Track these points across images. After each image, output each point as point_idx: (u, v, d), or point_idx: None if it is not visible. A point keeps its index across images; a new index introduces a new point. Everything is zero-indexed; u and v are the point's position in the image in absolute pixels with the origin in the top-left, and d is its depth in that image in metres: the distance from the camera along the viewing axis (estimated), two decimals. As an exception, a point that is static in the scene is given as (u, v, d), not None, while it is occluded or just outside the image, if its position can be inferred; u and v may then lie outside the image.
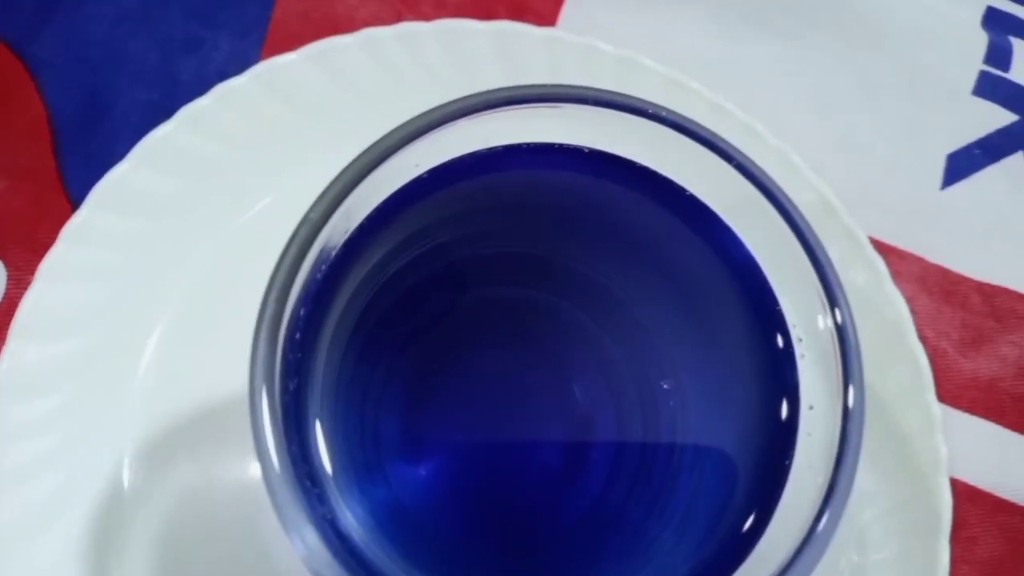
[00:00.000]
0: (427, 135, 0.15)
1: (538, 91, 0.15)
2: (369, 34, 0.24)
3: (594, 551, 0.18)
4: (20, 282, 0.24)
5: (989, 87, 0.29)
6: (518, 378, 0.20)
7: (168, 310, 0.23)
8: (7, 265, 0.25)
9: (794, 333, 0.16)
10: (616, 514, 0.19)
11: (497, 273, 0.19)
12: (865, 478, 0.23)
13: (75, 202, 0.24)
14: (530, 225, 0.19)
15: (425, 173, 0.16)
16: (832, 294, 0.15)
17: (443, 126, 0.15)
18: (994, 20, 0.30)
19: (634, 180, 0.17)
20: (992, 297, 0.27)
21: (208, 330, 0.23)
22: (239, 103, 0.24)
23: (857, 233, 0.25)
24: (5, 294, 0.24)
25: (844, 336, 0.14)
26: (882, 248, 0.26)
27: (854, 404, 0.14)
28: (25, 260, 0.25)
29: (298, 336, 0.14)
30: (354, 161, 0.14)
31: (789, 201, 0.15)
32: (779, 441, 0.16)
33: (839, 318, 0.15)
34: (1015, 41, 0.30)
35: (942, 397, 0.24)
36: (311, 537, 0.13)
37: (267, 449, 0.13)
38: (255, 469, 0.22)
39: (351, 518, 0.15)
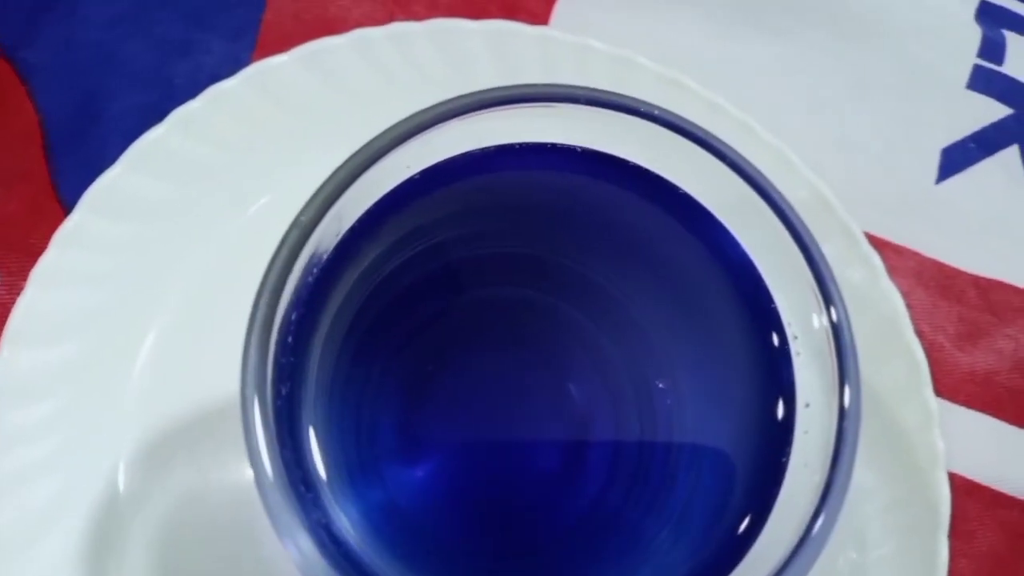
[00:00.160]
0: (418, 136, 0.14)
1: (530, 91, 0.15)
2: (361, 35, 0.24)
3: (592, 551, 0.18)
4: (13, 288, 0.24)
5: (983, 81, 0.29)
6: (514, 379, 0.20)
7: (162, 314, 0.23)
8: (0, 271, 0.25)
9: (789, 331, 0.16)
10: (614, 514, 0.19)
11: (491, 274, 0.19)
12: (863, 474, 0.23)
13: (68, 207, 0.24)
14: (524, 225, 0.19)
15: (417, 174, 0.16)
16: (827, 292, 0.14)
17: (435, 127, 0.14)
18: (987, 14, 0.30)
19: (628, 179, 0.17)
20: (988, 291, 0.27)
21: (203, 333, 0.23)
22: (230, 105, 0.24)
23: (853, 229, 0.24)
24: (-2, 300, 0.24)
25: (839, 334, 0.14)
26: (878, 243, 0.26)
27: (850, 403, 0.14)
28: (18, 266, 0.24)
29: (290, 340, 0.14)
30: (344, 163, 0.14)
31: (783, 199, 0.15)
32: (775, 439, 0.16)
33: (834, 316, 0.14)
34: (1008, 35, 0.30)
35: (939, 392, 0.24)
36: (305, 543, 0.13)
37: (259, 454, 0.13)
38: (250, 472, 0.22)
39: (347, 522, 0.15)
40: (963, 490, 0.25)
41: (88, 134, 0.26)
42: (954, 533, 0.23)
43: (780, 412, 0.16)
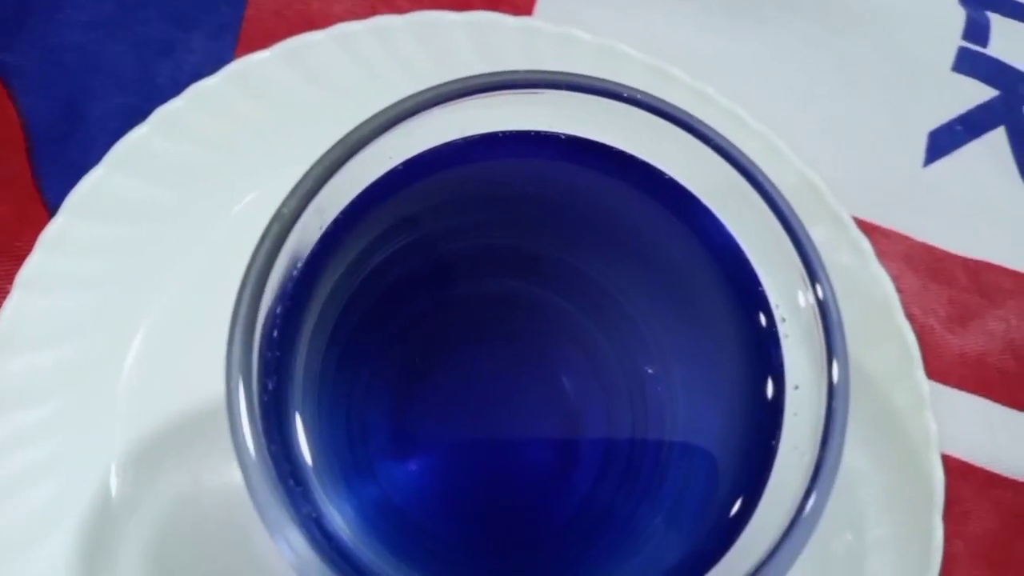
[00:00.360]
0: (400, 126, 0.14)
1: (512, 77, 0.15)
2: (342, 29, 0.24)
3: (586, 543, 0.18)
4: (-2, 292, 0.24)
5: (968, 63, 0.29)
6: (505, 371, 0.20)
7: (149, 315, 0.23)
8: (-15, 275, 0.24)
9: (777, 313, 0.16)
10: (607, 505, 0.18)
11: (479, 265, 0.19)
12: (856, 458, 0.23)
13: (53, 210, 0.23)
14: (510, 215, 0.19)
15: (400, 165, 0.16)
16: (812, 270, 0.14)
17: (416, 116, 0.14)
18: (971, -5, 0.30)
19: (613, 166, 0.17)
20: (978, 273, 0.27)
21: (191, 333, 0.23)
22: (213, 103, 0.24)
23: (841, 214, 0.24)
24: (-17, 305, 0.24)
25: (826, 311, 0.14)
26: (867, 228, 0.26)
27: (839, 379, 0.14)
28: (4, 270, 0.24)
29: (276, 334, 0.14)
30: (324, 155, 0.14)
31: (767, 178, 0.15)
32: (766, 423, 0.16)
33: (820, 294, 0.14)
34: (992, 16, 0.30)
35: (931, 374, 0.24)
36: (295, 537, 0.13)
37: (245, 448, 0.13)
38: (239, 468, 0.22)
39: (338, 517, 0.15)
40: (957, 472, 0.25)
41: (71, 136, 0.26)
42: (948, 515, 0.23)
43: (770, 395, 0.16)
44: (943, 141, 0.28)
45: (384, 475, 0.18)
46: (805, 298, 0.15)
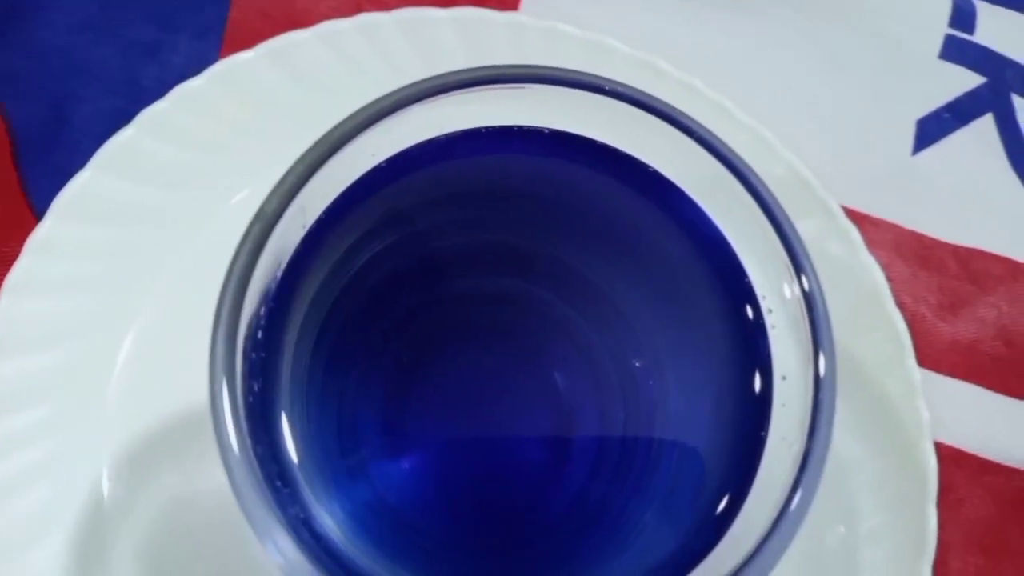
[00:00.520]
0: (382, 122, 0.14)
1: (493, 73, 0.15)
2: (328, 27, 0.24)
3: (578, 540, 0.18)
4: (-13, 297, 0.24)
5: (955, 50, 0.29)
6: (495, 367, 0.20)
7: (139, 317, 0.23)
8: (-28, 282, 0.24)
9: (764, 305, 0.16)
10: (600, 501, 0.18)
11: (465, 262, 0.19)
12: (848, 447, 0.23)
13: (40, 214, 0.23)
14: (495, 210, 0.19)
15: (384, 162, 0.16)
16: (798, 262, 0.14)
17: (397, 112, 0.14)
18: (957, -17, 0.30)
19: (598, 160, 0.17)
20: (968, 260, 0.27)
21: (182, 333, 0.23)
22: (198, 104, 0.23)
23: (830, 204, 0.24)
24: (-28, 311, 0.24)
25: (812, 303, 0.14)
26: (856, 217, 0.26)
27: (825, 372, 0.14)
28: (-8, 275, 0.24)
29: (260, 336, 0.14)
30: (306, 153, 0.14)
31: (751, 170, 0.15)
32: (754, 414, 0.16)
33: (806, 285, 0.14)
34: (978, 3, 0.30)
35: (922, 362, 0.24)
36: (283, 539, 0.13)
37: (231, 450, 0.12)
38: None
39: (328, 518, 0.15)
40: (950, 459, 0.25)
41: (57, 140, 0.26)
42: (942, 502, 0.23)
43: (757, 386, 0.16)
44: (931, 129, 0.28)
45: (374, 474, 0.18)
46: (791, 290, 0.15)
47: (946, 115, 0.29)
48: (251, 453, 0.13)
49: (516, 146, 0.17)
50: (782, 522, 0.13)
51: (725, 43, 0.29)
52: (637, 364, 0.18)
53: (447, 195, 0.18)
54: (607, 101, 0.15)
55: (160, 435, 0.23)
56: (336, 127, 0.14)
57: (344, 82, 0.24)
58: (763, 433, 0.15)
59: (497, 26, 0.25)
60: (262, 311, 0.14)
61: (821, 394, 0.14)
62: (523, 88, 0.15)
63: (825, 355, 0.14)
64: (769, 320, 0.16)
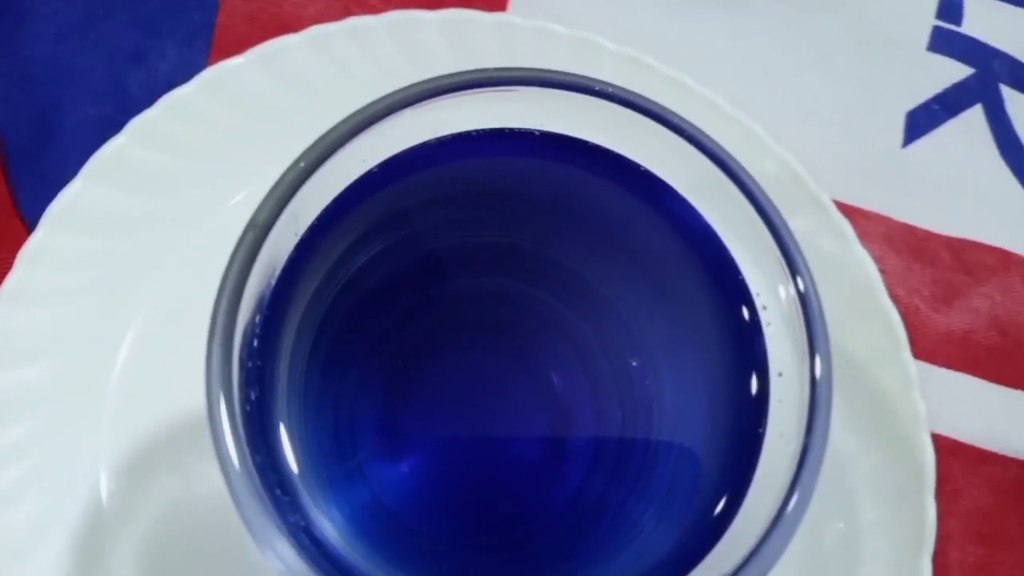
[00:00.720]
0: (372, 128, 0.14)
1: (482, 76, 0.15)
2: (317, 32, 0.24)
3: (577, 538, 0.18)
4: (-20, 310, 0.24)
5: (943, 42, 0.29)
6: (493, 370, 0.20)
7: (134, 326, 0.23)
8: (-35, 294, 0.24)
9: (759, 302, 0.16)
10: (598, 500, 0.18)
11: (459, 265, 0.19)
12: (845, 442, 0.23)
13: (31, 225, 0.23)
14: (488, 213, 0.19)
15: (375, 168, 0.16)
16: (792, 261, 0.14)
17: (388, 118, 0.14)
18: (943, -25, 0.30)
19: (589, 161, 0.17)
20: (960, 251, 0.27)
21: (176, 342, 0.23)
22: (188, 111, 0.23)
23: (822, 198, 0.25)
24: (-35, 324, 0.24)
25: (807, 304, 0.14)
26: (847, 210, 0.26)
27: (821, 373, 0.14)
28: (-17, 287, 0.24)
29: (256, 344, 0.14)
30: (297, 160, 0.14)
31: (743, 169, 0.15)
32: (751, 411, 0.16)
33: (801, 286, 0.14)
34: (965, -6, 0.30)
35: (918, 354, 0.24)
36: (283, 548, 0.13)
37: (229, 460, 0.12)
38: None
39: (328, 525, 0.15)
40: (947, 450, 0.25)
41: (46, 150, 0.26)
42: (940, 493, 0.23)
43: (754, 383, 0.16)
44: (921, 121, 0.29)
45: (373, 478, 0.18)
46: (786, 290, 0.15)
47: (935, 107, 0.29)
48: (250, 463, 0.13)
49: (508, 148, 0.17)
50: (781, 520, 0.13)
51: (713, 39, 0.29)
52: (634, 363, 0.18)
53: (439, 198, 0.18)
54: (598, 102, 0.15)
55: (158, 442, 0.23)
56: (327, 133, 0.14)
57: (334, 86, 0.24)
58: (761, 430, 0.15)
59: (486, 27, 0.25)
60: (257, 319, 0.14)
61: (818, 392, 0.14)
62: (512, 90, 0.15)
63: (821, 356, 0.14)
64: (764, 317, 0.16)
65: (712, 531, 0.15)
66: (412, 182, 0.17)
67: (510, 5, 0.28)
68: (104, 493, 0.22)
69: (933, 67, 0.29)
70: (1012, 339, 0.27)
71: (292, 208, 0.14)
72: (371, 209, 0.16)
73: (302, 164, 0.14)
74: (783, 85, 0.28)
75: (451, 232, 0.19)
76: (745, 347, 0.16)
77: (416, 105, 0.14)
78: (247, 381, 0.13)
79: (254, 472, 0.13)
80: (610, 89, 0.15)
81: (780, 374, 0.16)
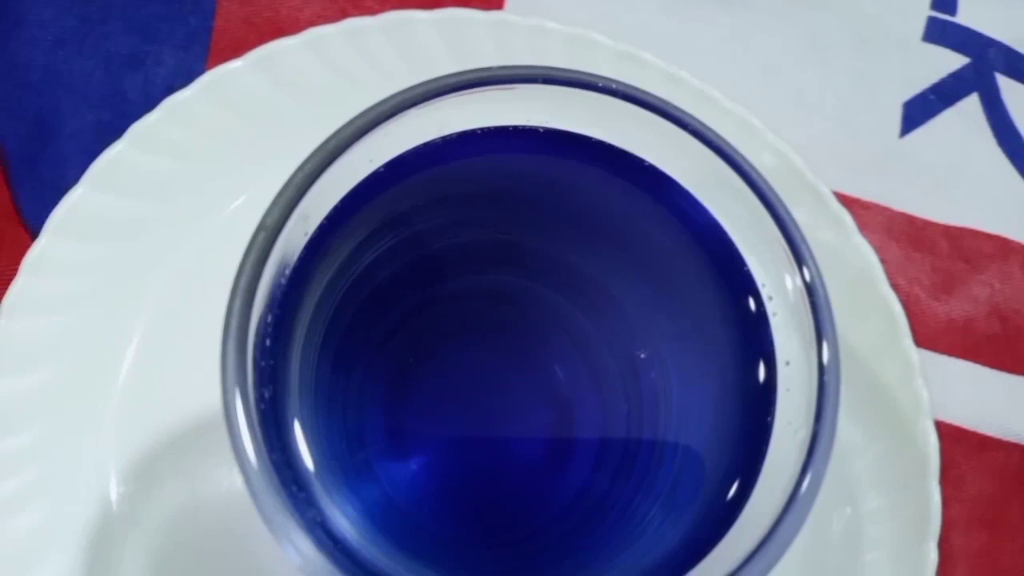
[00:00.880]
0: (378, 128, 0.14)
1: (487, 74, 0.15)
2: (314, 34, 0.24)
3: (586, 531, 0.18)
4: (-15, 318, 0.24)
5: (938, 32, 0.30)
6: (499, 367, 0.20)
7: (139, 331, 0.23)
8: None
9: (764, 292, 0.16)
10: (606, 493, 0.19)
11: (466, 263, 0.19)
12: (850, 430, 0.23)
13: (34, 232, 0.23)
14: (493, 211, 0.19)
15: (382, 168, 0.16)
16: (797, 251, 0.15)
17: (394, 118, 0.14)
18: (937, -35, 0.30)
19: (593, 156, 0.17)
20: (959, 239, 0.28)
21: (180, 346, 0.23)
22: (188, 116, 0.23)
23: (821, 189, 0.25)
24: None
25: (813, 292, 0.14)
26: (847, 201, 0.26)
27: (828, 360, 0.14)
28: (-12, 295, 0.24)
29: (268, 343, 0.14)
30: (305, 161, 0.14)
31: (745, 160, 0.15)
32: (759, 400, 0.16)
33: (807, 276, 0.15)
34: (959, -16, 0.30)
35: (919, 342, 0.24)
36: (304, 543, 0.13)
37: (247, 459, 0.13)
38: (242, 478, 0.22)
39: (343, 519, 0.15)
40: (950, 437, 0.25)
41: (46, 157, 0.26)
42: (944, 480, 0.23)
43: (762, 373, 0.16)
44: (918, 111, 0.29)
45: (384, 475, 0.18)
46: (792, 279, 0.15)
47: (932, 97, 0.29)
48: (267, 461, 0.13)
49: (512, 146, 0.17)
50: (793, 506, 0.13)
51: (709, 34, 0.29)
52: (641, 356, 0.18)
53: (445, 196, 0.18)
54: (600, 98, 0.15)
55: (165, 446, 0.23)
56: (334, 135, 0.14)
57: (333, 88, 0.24)
58: (769, 419, 0.16)
59: (483, 25, 0.25)
60: (269, 318, 0.14)
61: (826, 378, 0.14)
62: (516, 89, 0.15)
63: (828, 342, 0.14)
64: (770, 308, 0.16)
65: (722, 520, 0.15)
66: (418, 181, 0.17)
67: (507, 3, 0.28)
68: (114, 498, 0.22)
69: (929, 57, 0.29)
70: (1012, 326, 0.27)
71: (302, 209, 0.14)
72: (378, 208, 0.16)
73: (311, 165, 0.14)
74: (780, 79, 0.29)
75: (456, 230, 0.19)
76: (752, 337, 0.16)
77: (421, 105, 0.15)
78: (260, 380, 0.14)
79: (271, 469, 0.13)
80: (612, 85, 0.15)
81: (787, 363, 0.16)
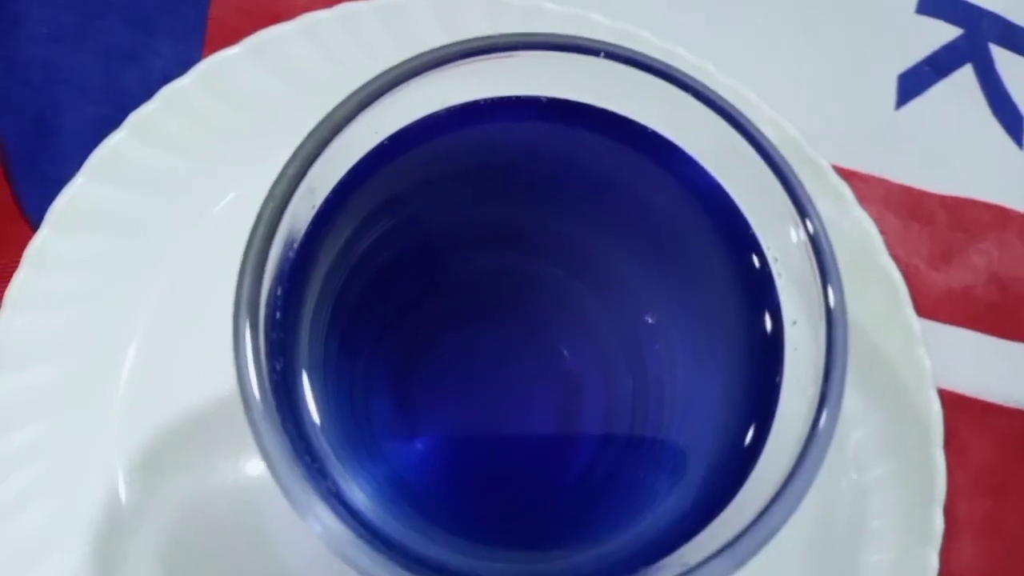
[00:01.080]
0: (382, 100, 0.14)
1: (489, 42, 0.15)
2: (310, 19, 0.24)
3: (593, 505, 0.18)
4: (-12, 312, 0.24)
5: (931, 3, 0.30)
6: (506, 343, 0.20)
7: (142, 322, 0.23)
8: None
9: (769, 254, 0.17)
10: (616, 463, 0.19)
11: (473, 238, 0.19)
12: (853, 400, 0.23)
13: (36, 226, 0.23)
14: (498, 183, 0.19)
15: (386, 140, 0.16)
16: (799, 202, 0.15)
17: (398, 88, 0.14)
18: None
19: (595, 124, 0.17)
20: (956, 209, 0.28)
21: (185, 339, 0.23)
22: (186, 104, 0.23)
23: (820, 162, 0.25)
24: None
25: (817, 243, 0.15)
26: (844, 174, 0.26)
27: (835, 304, 0.14)
28: (-8, 289, 0.24)
29: (278, 316, 0.14)
30: (311, 133, 0.14)
31: (746, 118, 0.15)
32: (768, 361, 0.16)
33: (810, 227, 0.15)
34: (951, -44, 0.30)
35: (920, 312, 0.24)
36: (323, 511, 0.13)
37: (265, 427, 0.13)
38: (250, 471, 0.22)
39: (356, 491, 0.15)
40: (952, 404, 0.25)
41: (46, 150, 0.26)
42: (948, 447, 0.23)
43: (769, 333, 0.16)
44: (913, 83, 0.29)
45: (393, 450, 0.18)
46: (796, 233, 0.15)
47: (926, 68, 0.29)
48: (282, 430, 0.13)
49: (515, 116, 0.17)
50: (806, 457, 0.13)
51: (703, 11, 0.29)
52: (649, 320, 0.19)
53: (450, 170, 0.18)
54: (602, 64, 0.15)
55: (171, 440, 0.23)
56: (340, 105, 0.14)
57: (329, 72, 0.24)
58: (777, 379, 0.16)
59: (478, 6, 0.25)
60: (278, 291, 0.14)
61: (834, 321, 0.14)
62: (519, 57, 0.15)
63: (833, 287, 0.14)
64: (775, 269, 0.16)
65: (734, 480, 0.15)
66: (422, 153, 0.17)
67: (501, -14, 0.28)
68: (120, 494, 0.22)
69: (923, 29, 0.29)
70: (1012, 293, 0.27)
71: (308, 181, 0.14)
72: (383, 183, 0.17)
73: (316, 137, 0.14)
74: (775, 54, 0.29)
75: (460, 204, 0.19)
76: (758, 297, 0.16)
77: (425, 74, 0.15)
78: (271, 352, 0.14)
79: (286, 437, 0.13)
80: (614, 49, 0.15)
81: (794, 322, 0.16)
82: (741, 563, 0.13)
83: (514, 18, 0.25)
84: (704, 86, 0.15)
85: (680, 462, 0.18)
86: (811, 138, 0.25)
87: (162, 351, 0.23)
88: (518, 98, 0.16)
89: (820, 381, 0.14)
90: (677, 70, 0.15)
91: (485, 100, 0.16)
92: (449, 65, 0.15)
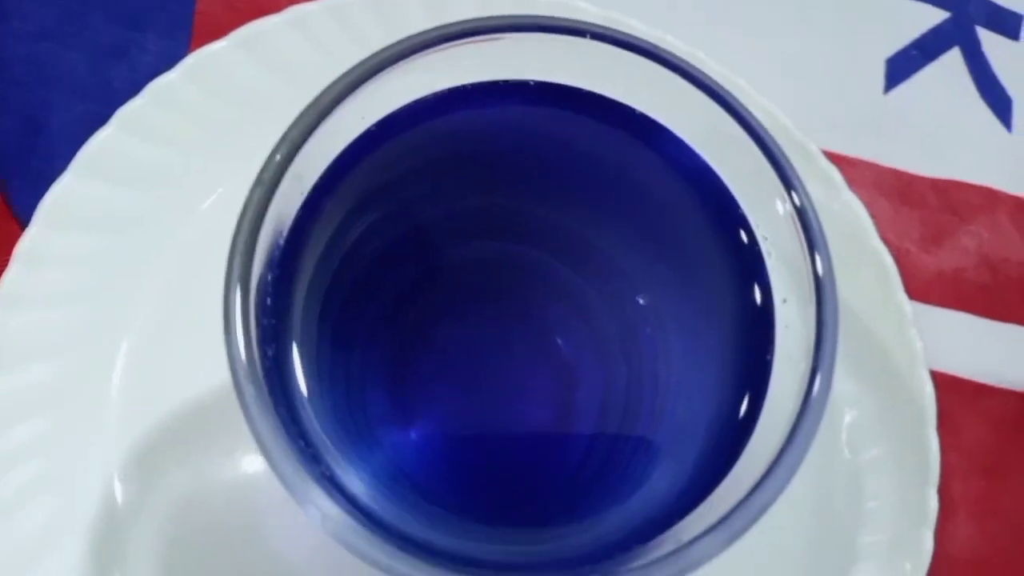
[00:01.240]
0: (368, 84, 0.14)
1: (476, 24, 0.15)
2: (297, 11, 0.24)
3: (591, 487, 0.18)
4: (-22, 310, 0.24)
5: (917, -12, 0.30)
6: (500, 330, 0.20)
7: (134, 318, 0.23)
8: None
9: (758, 233, 0.17)
10: (611, 446, 0.19)
11: (462, 225, 0.19)
12: (846, 382, 0.23)
13: (25, 224, 0.23)
14: (486, 169, 0.19)
15: (373, 126, 0.16)
16: (786, 177, 0.15)
17: (384, 72, 0.14)
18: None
19: (584, 107, 0.17)
20: (946, 192, 0.28)
21: (179, 335, 0.23)
22: (174, 98, 0.23)
23: (809, 147, 0.25)
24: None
25: (804, 215, 0.15)
26: (834, 159, 0.26)
27: (824, 272, 0.14)
28: (-19, 288, 0.24)
29: (269, 302, 0.14)
30: (298, 119, 0.14)
31: (733, 96, 0.15)
32: (759, 339, 0.16)
33: (797, 200, 0.15)
34: (937, -61, 0.30)
35: (911, 295, 0.25)
36: (316, 494, 0.13)
37: (258, 411, 0.13)
38: (247, 467, 0.22)
39: (351, 476, 0.15)
40: (945, 386, 0.25)
41: (34, 148, 0.26)
42: (942, 428, 0.23)
43: (760, 311, 0.16)
44: (901, 67, 0.29)
45: (388, 437, 0.18)
46: (783, 207, 0.15)
47: (914, 52, 0.29)
48: (274, 414, 0.13)
49: (503, 100, 0.17)
50: (802, 421, 0.13)
51: (692, 1, 0.29)
52: (640, 301, 0.19)
53: (438, 156, 0.18)
54: (590, 46, 0.15)
55: (167, 437, 0.23)
56: (326, 90, 0.14)
57: (317, 64, 0.24)
58: (769, 357, 0.16)
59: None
60: (269, 277, 0.14)
61: (823, 289, 0.14)
62: (505, 40, 0.15)
63: (821, 255, 0.14)
64: (764, 247, 0.16)
65: (729, 455, 0.15)
66: (410, 139, 0.17)
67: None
68: (118, 491, 0.22)
69: (910, 13, 0.29)
70: (1002, 275, 0.27)
71: (296, 167, 0.14)
72: (371, 169, 0.16)
73: (304, 121, 0.14)
74: (764, 40, 0.29)
75: (450, 190, 0.19)
76: (749, 275, 0.16)
77: (412, 57, 0.15)
78: (263, 338, 0.14)
79: (279, 422, 0.13)
80: (601, 30, 0.15)
81: (784, 300, 0.16)
82: (734, 537, 0.13)
83: (501, 5, 0.25)
84: (691, 65, 0.15)
85: (674, 442, 0.18)
86: (800, 123, 0.25)
87: (156, 347, 0.23)
88: (506, 82, 0.16)
89: (811, 355, 0.14)
90: (664, 50, 0.15)
91: (473, 84, 0.16)
92: (435, 48, 0.15)
